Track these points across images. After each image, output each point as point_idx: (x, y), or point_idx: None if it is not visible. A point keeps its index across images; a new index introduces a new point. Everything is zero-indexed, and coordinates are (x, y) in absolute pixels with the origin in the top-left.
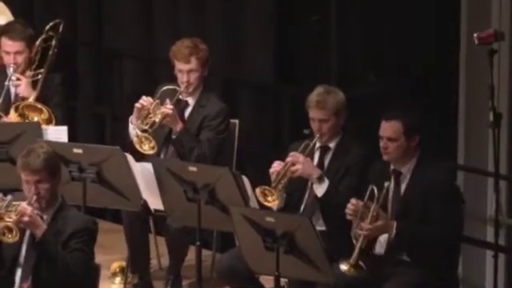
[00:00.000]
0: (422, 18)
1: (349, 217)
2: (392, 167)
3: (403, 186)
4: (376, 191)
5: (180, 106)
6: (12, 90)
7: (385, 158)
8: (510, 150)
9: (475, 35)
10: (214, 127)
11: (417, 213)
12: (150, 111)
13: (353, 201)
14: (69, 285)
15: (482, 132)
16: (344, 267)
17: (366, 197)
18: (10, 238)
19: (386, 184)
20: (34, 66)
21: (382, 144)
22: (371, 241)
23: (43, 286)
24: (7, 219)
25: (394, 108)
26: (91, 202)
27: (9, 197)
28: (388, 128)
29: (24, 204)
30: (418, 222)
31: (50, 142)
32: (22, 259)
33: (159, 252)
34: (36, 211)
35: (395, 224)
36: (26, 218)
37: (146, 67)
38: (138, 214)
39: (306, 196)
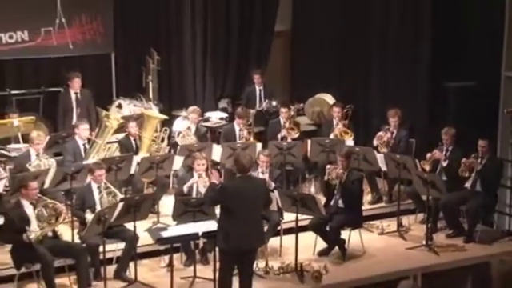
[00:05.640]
0: (480, 103)
1: (462, 165)
2: (480, 154)
3: (483, 161)
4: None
5: (391, 133)
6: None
7: (480, 153)
8: None
9: (505, 110)
10: (404, 141)
11: (486, 170)
12: (382, 136)
13: (465, 159)
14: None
15: (507, 146)
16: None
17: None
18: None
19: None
20: None
21: (480, 149)
22: (467, 171)
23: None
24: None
25: (484, 136)
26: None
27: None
28: (483, 143)
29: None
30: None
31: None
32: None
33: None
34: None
35: (480, 166)
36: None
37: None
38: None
39: (439, 166)
